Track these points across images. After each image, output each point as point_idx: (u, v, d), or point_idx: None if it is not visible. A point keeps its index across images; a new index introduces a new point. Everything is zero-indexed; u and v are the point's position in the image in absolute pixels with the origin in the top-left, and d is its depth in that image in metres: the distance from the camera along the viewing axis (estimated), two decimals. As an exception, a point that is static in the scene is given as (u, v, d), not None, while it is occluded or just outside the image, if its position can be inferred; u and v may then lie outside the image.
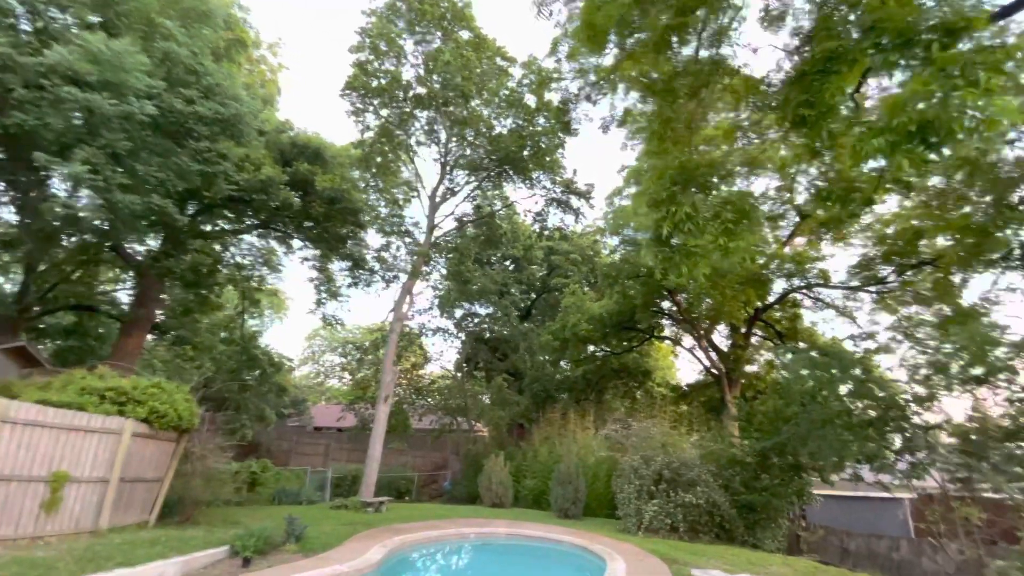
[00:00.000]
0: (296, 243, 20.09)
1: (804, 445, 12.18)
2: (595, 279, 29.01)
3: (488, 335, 29.25)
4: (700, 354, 23.80)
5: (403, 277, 20.02)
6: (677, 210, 6.19)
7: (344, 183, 16.85)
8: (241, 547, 7.38)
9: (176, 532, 8.47)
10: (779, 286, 22.29)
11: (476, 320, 29.01)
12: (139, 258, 15.67)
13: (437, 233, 19.83)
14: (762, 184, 23.69)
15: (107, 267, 23.14)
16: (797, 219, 22.58)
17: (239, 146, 11.35)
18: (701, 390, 24.39)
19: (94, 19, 9.64)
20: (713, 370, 22.94)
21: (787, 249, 21.41)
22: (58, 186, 8.99)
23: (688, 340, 24.55)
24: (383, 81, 17.32)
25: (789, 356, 15.88)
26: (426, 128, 19.95)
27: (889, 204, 19.80)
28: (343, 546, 8.73)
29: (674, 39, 6.59)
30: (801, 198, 22.87)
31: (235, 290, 23.90)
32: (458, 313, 29.40)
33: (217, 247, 17.03)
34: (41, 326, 24.62)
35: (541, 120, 17.66)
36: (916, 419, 10.40)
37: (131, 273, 18.22)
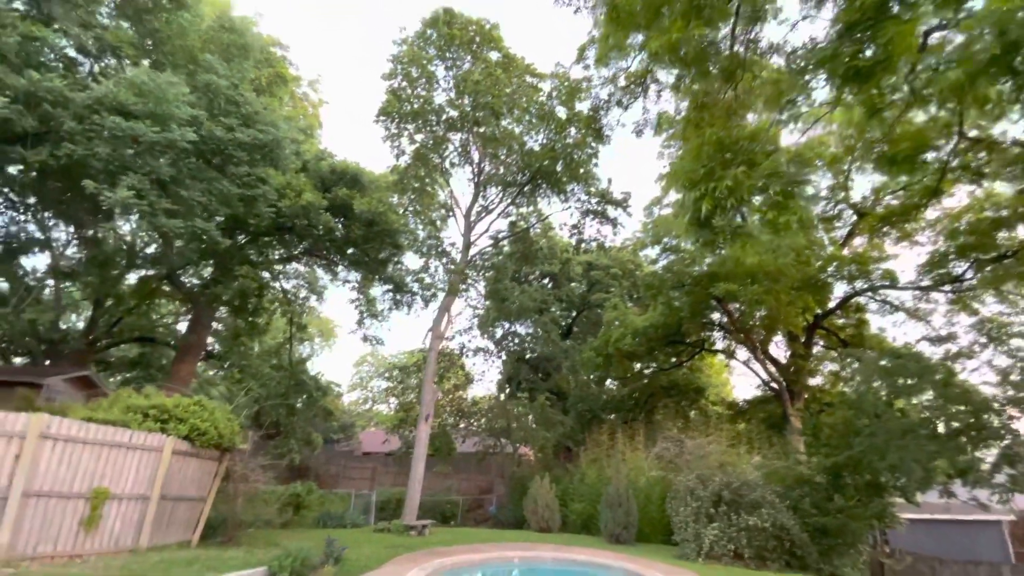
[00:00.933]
0: (339, 269, 20.58)
1: (882, 459, 10.93)
2: (637, 293, 28.10)
3: (529, 355, 28.73)
4: (757, 367, 22.35)
5: (441, 296, 20.00)
6: (717, 185, 5.64)
7: (381, 206, 17.12)
8: (278, 568, 7.16)
9: (216, 552, 8.38)
10: (840, 290, 20.79)
11: (516, 340, 28.59)
12: (191, 287, 16.33)
13: (473, 251, 19.76)
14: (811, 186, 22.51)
15: (166, 300, 24.49)
16: (854, 218, 21.17)
17: (277, 170, 11.71)
18: (759, 406, 22.80)
19: (144, 62, 10.26)
20: (772, 384, 21.42)
21: (845, 251, 19.98)
22: (115, 221, 9.46)
23: (742, 353, 23.17)
24: (415, 105, 17.67)
25: (856, 364, 14.57)
26: (459, 149, 20.16)
27: (958, 196, 18.20)
28: (382, 569, 8.38)
29: (706, 9, 6.16)
30: (857, 194, 21.46)
31: (282, 317, 24.67)
32: (498, 332, 29.11)
33: (265, 274, 17.61)
34: (110, 359, 26.21)
35: (572, 131, 17.45)
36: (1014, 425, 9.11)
37: (184, 304, 19.05)
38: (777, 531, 11.81)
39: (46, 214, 12.89)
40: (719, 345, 24.13)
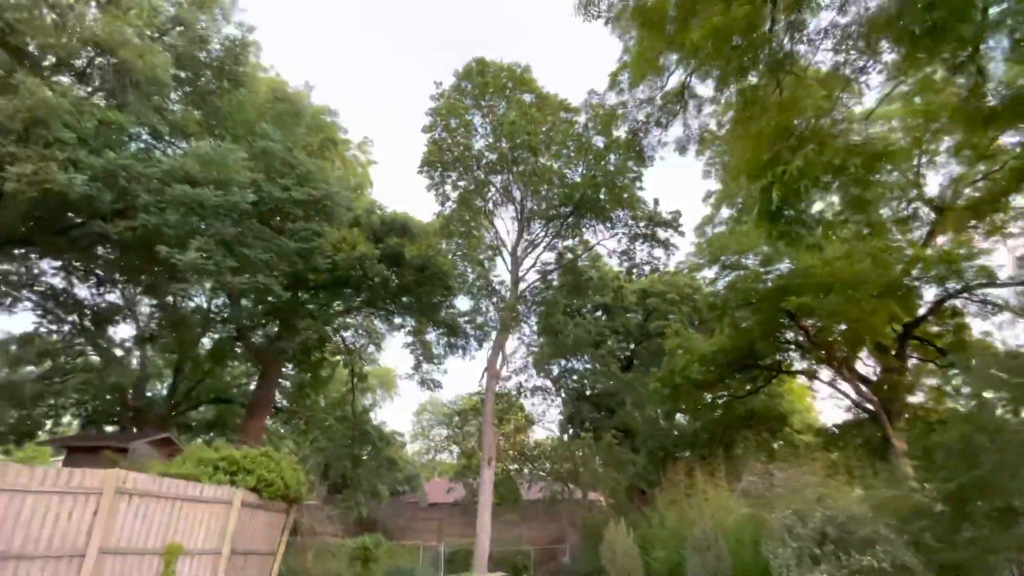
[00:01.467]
0: (396, 319, 21.00)
1: (1013, 478, 9.31)
2: (700, 318, 26.74)
3: (589, 391, 27.70)
4: (844, 387, 20.34)
5: (494, 335, 19.83)
6: (786, 169, 5.08)
7: (430, 250, 17.47)
8: (345, 625, 6.82)
9: (286, 610, 8.17)
10: (929, 295, 18.84)
11: (575, 376, 27.72)
12: (259, 345, 17.02)
13: (522, 286, 19.62)
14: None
15: (238, 362, 25.79)
16: (932, 216, 19.43)
17: (330, 223, 12.25)
18: (854, 431, 20.57)
19: (207, 141, 11.17)
20: (866, 405, 19.32)
21: (929, 251, 18.20)
22: (188, 283, 10.07)
23: (825, 374, 21.20)
24: (456, 153, 18.23)
25: (962, 373, 12.86)
26: (501, 190, 20.49)
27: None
28: (452, 625, 7.83)
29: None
30: (933, 188, 19.76)
31: (344, 368, 25.29)
32: (554, 371, 28.40)
33: (326, 328, 18.14)
34: (190, 423, 27.68)
35: (612, 158, 17.32)
36: None
37: (255, 364, 19.90)
38: (897, 572, 10.20)
39: (129, 287, 14.02)
40: (797, 366, 22.24)
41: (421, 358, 18.53)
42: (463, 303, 20.70)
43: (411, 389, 78.54)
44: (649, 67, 12.90)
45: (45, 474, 5.83)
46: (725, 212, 22.52)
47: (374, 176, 23.22)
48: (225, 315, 15.65)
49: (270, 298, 11.47)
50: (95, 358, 21.30)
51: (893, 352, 18.44)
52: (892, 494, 12.41)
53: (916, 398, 20.52)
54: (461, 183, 20.10)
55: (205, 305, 17.72)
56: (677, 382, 22.79)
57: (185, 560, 7.23)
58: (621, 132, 16.95)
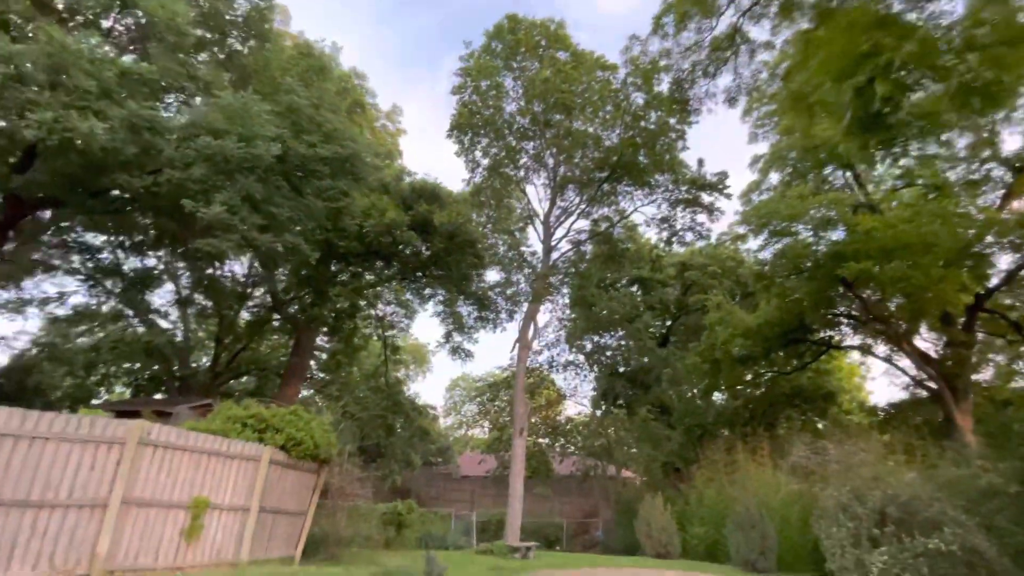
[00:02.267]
0: (426, 291, 20.71)
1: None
2: (743, 291, 25.43)
3: (623, 367, 26.93)
4: (906, 364, 18.94)
5: (526, 307, 19.32)
6: (892, 56, 3.98)
7: (460, 217, 16.96)
8: (375, 586, 6.56)
9: (316, 570, 8.01)
10: (1003, 263, 17.13)
11: (608, 352, 26.94)
12: (293, 313, 17.06)
13: (555, 255, 18.93)
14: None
15: (276, 336, 26.28)
16: (1009, 178, 17.56)
17: (358, 184, 11.86)
18: (911, 410, 19.18)
19: (230, 93, 10.83)
20: (927, 382, 17.90)
21: (1005, 215, 16.44)
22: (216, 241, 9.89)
23: (881, 349, 19.77)
24: (487, 115, 17.47)
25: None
26: (533, 156, 19.66)
27: None
28: (484, 591, 7.50)
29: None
30: (1011, 146, 17.80)
31: (377, 340, 25.39)
32: (587, 346, 27.72)
33: (361, 303, 17.99)
34: (233, 392, 28.58)
35: (653, 116, 16.21)
36: None
37: (289, 330, 20.07)
38: (968, 555, 9.30)
39: (166, 252, 14.12)
40: (849, 341, 20.83)
41: (452, 327, 18.19)
42: (493, 276, 20.25)
43: (443, 365, 79.53)
44: (698, 5, 11.78)
45: (67, 421, 5.68)
46: (774, 178, 21.06)
47: (403, 146, 22.71)
48: (257, 278, 15.70)
49: (300, 263, 11.21)
50: (142, 329, 22.06)
51: (959, 325, 16.93)
52: (961, 473, 11.37)
53: (981, 376, 18.98)
54: (492, 149, 19.40)
55: (242, 274, 17.88)
56: (717, 357, 21.80)
57: (212, 514, 7.10)
58: (664, 87, 15.87)
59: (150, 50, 9.22)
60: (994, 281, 16.72)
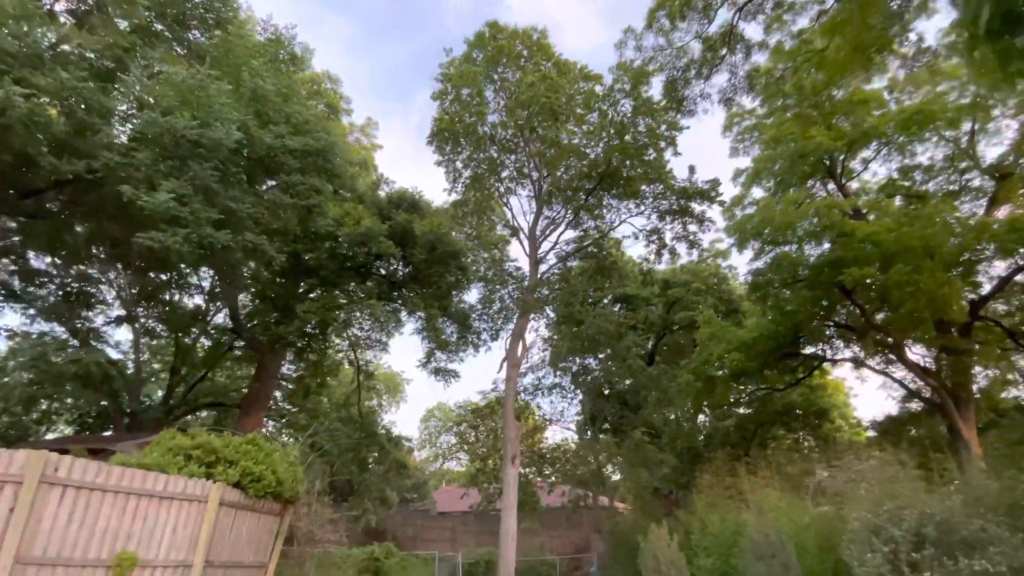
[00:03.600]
0: (403, 315, 19.29)
1: None
2: (730, 308, 24.94)
3: (608, 389, 25.81)
4: (902, 375, 18.47)
5: (509, 327, 18.17)
6: None
7: (443, 227, 15.87)
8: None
9: (277, 637, 6.41)
10: (992, 271, 17.06)
11: (593, 373, 25.82)
12: (254, 333, 15.44)
13: (542, 268, 17.95)
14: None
15: (237, 364, 24.23)
16: (991, 184, 17.70)
17: (331, 179, 10.63)
18: (909, 424, 18.65)
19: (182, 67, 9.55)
20: (926, 394, 17.41)
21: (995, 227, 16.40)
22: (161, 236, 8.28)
23: (875, 362, 19.29)
24: (469, 122, 16.63)
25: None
26: (516, 172, 18.90)
27: None
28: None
29: None
30: (992, 153, 18.06)
31: (349, 365, 23.62)
32: (573, 367, 26.57)
33: (334, 321, 16.41)
34: (188, 428, 26.02)
35: (642, 124, 15.67)
36: None
37: (251, 355, 18.26)
38: (1015, 576, 8.38)
39: (110, 267, 12.40)
40: (842, 355, 20.32)
41: (434, 346, 16.77)
42: (473, 296, 19.09)
43: (418, 395, 76.60)
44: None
45: (-71, 455, 4.15)
46: (756, 192, 20.79)
47: (378, 161, 21.62)
48: (215, 289, 14.10)
49: (264, 282, 9.76)
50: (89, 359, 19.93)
51: (955, 332, 16.60)
52: (992, 486, 10.58)
53: (976, 385, 18.65)
54: (473, 162, 18.55)
55: (198, 291, 16.17)
56: (711, 374, 20.98)
57: (143, 574, 5.51)
58: (654, 91, 15.42)
59: (91, 21, 7.97)
60: (985, 289, 16.63)
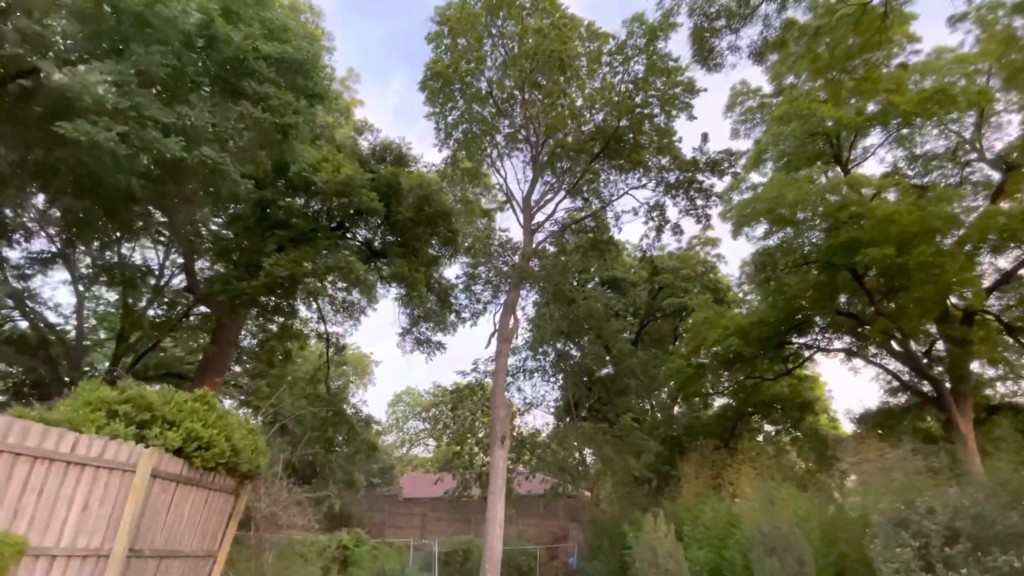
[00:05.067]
0: (380, 289, 17.60)
1: None
2: (713, 299, 24.21)
3: (592, 374, 24.82)
4: (896, 367, 18.05)
5: (501, 299, 16.82)
6: None
7: (433, 184, 14.33)
8: None
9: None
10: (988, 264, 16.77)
11: (578, 356, 24.76)
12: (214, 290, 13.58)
13: (538, 237, 16.62)
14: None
15: (193, 334, 22.07)
16: (998, 176, 17.35)
17: (312, 100, 8.95)
18: (901, 417, 18.29)
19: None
20: (921, 386, 17.02)
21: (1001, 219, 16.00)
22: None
23: (868, 354, 18.82)
24: (467, 67, 15.03)
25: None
26: (517, 127, 17.43)
27: None
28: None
29: None
30: (996, 146, 17.71)
31: (319, 339, 21.80)
32: (553, 350, 25.45)
33: (305, 276, 14.57)
34: (118, 380, 23.61)
35: (659, 83, 14.42)
36: None
37: (208, 313, 16.32)
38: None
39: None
40: (832, 345, 19.81)
41: (419, 313, 15.18)
42: (451, 272, 17.65)
43: (386, 379, 74.51)
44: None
45: None
46: (754, 177, 19.96)
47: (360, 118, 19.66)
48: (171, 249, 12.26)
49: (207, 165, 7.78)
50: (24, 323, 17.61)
51: (954, 322, 16.18)
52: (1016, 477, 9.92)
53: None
54: (465, 121, 16.98)
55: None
56: (703, 361, 20.22)
57: (34, 566, 3.94)
58: (672, 47, 14.23)
59: None
60: (986, 283, 16.28)
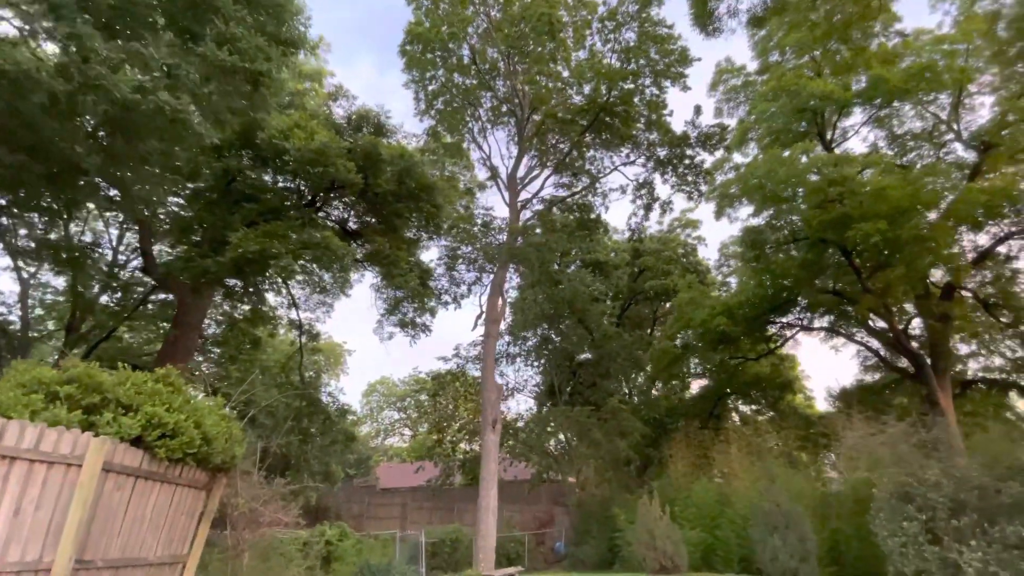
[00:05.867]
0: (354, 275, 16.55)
1: None
2: (700, 279, 24.13)
3: (568, 360, 24.44)
4: (876, 344, 18.27)
5: (487, 279, 16.13)
6: None
7: (415, 156, 13.43)
8: None
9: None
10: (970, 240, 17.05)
11: (555, 344, 24.31)
12: (174, 267, 12.41)
13: (525, 215, 15.94)
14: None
15: (151, 323, 20.54)
16: (974, 156, 17.55)
17: (286, 49, 7.93)
18: (884, 393, 18.56)
19: None
20: (903, 363, 17.24)
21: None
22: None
23: (848, 332, 19.00)
24: (448, 31, 14.08)
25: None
26: (496, 104, 16.62)
27: None
28: None
29: None
30: (974, 124, 17.91)
31: (291, 327, 20.62)
32: (533, 335, 24.97)
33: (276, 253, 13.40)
34: (62, 359, 21.89)
35: (653, 51, 13.82)
36: None
37: (167, 293, 15.07)
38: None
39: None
40: (815, 323, 19.93)
41: (404, 295, 14.26)
42: (428, 256, 16.81)
43: (359, 368, 72.89)
44: None
45: None
46: (737, 158, 19.73)
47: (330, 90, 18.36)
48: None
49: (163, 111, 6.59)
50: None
51: (933, 298, 16.39)
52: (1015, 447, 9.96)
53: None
54: (445, 92, 16.04)
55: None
56: (689, 341, 20.05)
57: (-53, 590, 3.10)
58: (665, 12, 13.66)
59: None
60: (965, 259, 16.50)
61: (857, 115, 18.80)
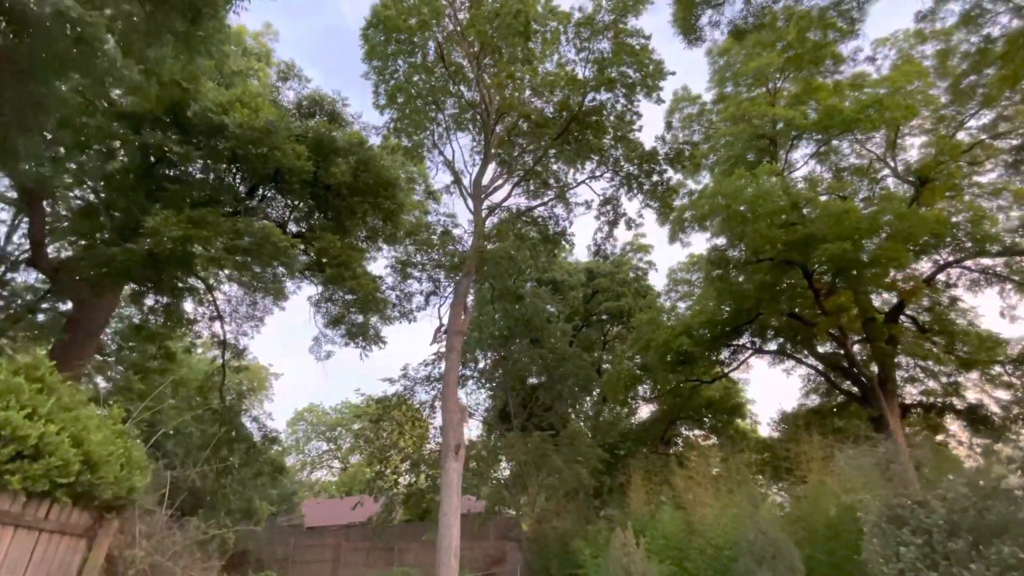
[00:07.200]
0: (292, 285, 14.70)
1: None
2: (644, 305, 24.07)
3: (522, 383, 23.39)
4: (822, 368, 18.64)
5: (448, 290, 14.88)
6: None
7: (372, 150, 12.13)
8: None
9: None
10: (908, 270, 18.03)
11: (509, 363, 23.21)
12: (70, 260, 10.24)
13: (490, 222, 14.96)
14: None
15: (42, 332, 17.28)
16: (911, 192, 18.74)
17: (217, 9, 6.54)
18: (832, 416, 18.89)
19: None
20: (846, 386, 17.67)
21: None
22: None
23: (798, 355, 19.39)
24: (415, 22, 13.10)
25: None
26: (460, 109, 15.76)
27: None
28: None
29: None
30: (912, 158, 19.21)
31: (212, 342, 18.03)
32: (491, 354, 23.78)
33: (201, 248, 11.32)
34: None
35: (628, 62, 13.55)
36: None
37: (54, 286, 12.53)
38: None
39: None
40: (768, 346, 20.21)
41: (351, 298, 12.61)
42: (377, 267, 15.42)
43: (285, 394, 67.38)
44: None
45: None
46: (692, 185, 20.08)
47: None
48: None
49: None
50: None
51: (878, 322, 17.00)
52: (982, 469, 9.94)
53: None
54: (405, 90, 14.98)
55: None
56: (648, 363, 19.59)
57: None
58: (643, 23, 13.47)
59: None
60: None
61: (802, 148, 19.79)
